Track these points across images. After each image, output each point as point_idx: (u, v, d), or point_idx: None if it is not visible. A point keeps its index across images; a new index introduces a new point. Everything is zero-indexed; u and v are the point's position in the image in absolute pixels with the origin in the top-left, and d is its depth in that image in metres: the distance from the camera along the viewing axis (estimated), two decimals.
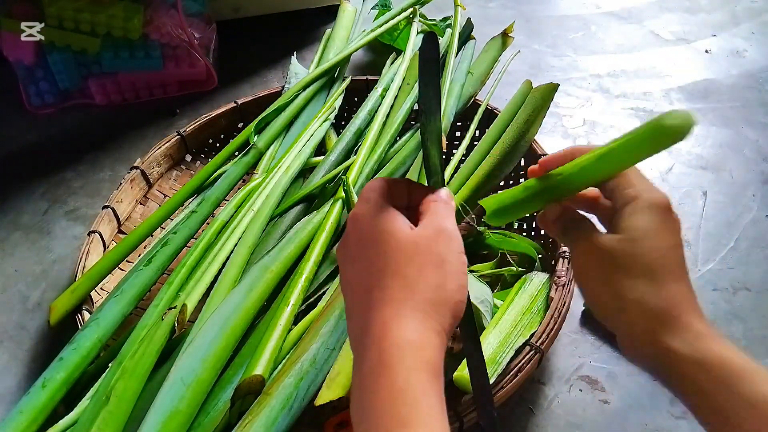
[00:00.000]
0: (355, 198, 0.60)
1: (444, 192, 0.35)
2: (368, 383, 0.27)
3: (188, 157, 0.78)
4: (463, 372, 0.49)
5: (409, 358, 0.27)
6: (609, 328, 0.34)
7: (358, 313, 0.31)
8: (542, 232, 0.66)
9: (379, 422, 0.25)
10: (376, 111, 0.74)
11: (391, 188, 0.34)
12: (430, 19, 0.94)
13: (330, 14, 1.06)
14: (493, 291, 0.57)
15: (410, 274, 0.30)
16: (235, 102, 0.80)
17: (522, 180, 0.73)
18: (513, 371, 0.49)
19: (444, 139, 0.69)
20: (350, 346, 0.32)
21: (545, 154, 0.68)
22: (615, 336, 0.34)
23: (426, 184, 0.37)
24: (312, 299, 0.56)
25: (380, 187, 0.33)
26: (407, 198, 0.35)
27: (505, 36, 0.85)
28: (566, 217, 0.36)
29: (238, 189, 0.68)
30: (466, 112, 0.76)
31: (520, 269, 0.60)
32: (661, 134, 0.29)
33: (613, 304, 0.33)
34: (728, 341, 0.31)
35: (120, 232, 0.68)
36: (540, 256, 0.62)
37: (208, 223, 0.63)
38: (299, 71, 0.86)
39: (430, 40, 0.34)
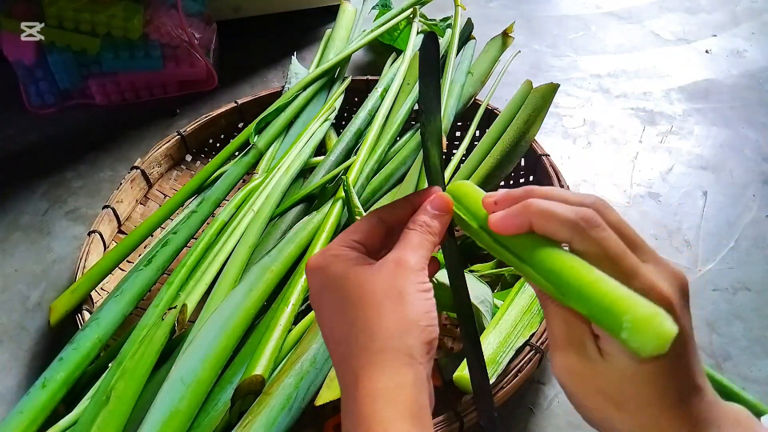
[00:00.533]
0: (355, 198, 0.60)
1: (423, 219, 0.32)
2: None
3: (188, 157, 0.79)
4: (463, 372, 0.49)
5: (385, 409, 0.26)
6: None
7: (336, 365, 0.31)
8: None
9: None
10: (376, 111, 0.74)
11: (359, 234, 0.32)
12: (430, 19, 0.94)
13: (330, 14, 1.06)
14: (493, 291, 0.57)
15: (369, 316, 0.28)
16: (235, 102, 0.80)
17: (522, 180, 0.73)
18: (513, 371, 0.49)
19: (444, 139, 0.69)
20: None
21: (546, 155, 0.68)
22: None
23: (426, 183, 0.37)
24: None
25: (345, 236, 0.32)
26: (384, 230, 0.33)
27: (505, 36, 0.85)
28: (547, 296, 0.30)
29: (238, 189, 0.68)
30: (467, 112, 0.76)
31: None
32: (617, 330, 0.23)
33: (603, 423, 0.28)
34: (750, 423, 0.27)
35: (120, 232, 0.68)
36: None
37: (208, 223, 0.63)
38: (299, 71, 0.86)
39: (430, 40, 0.34)
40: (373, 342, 0.28)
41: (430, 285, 0.31)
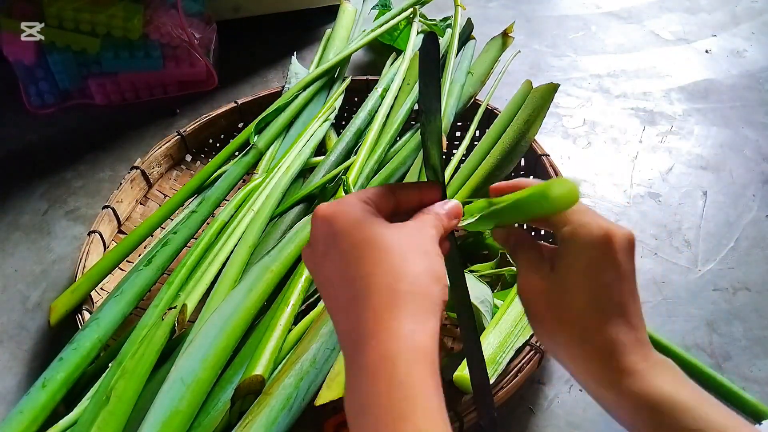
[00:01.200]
0: None
1: (438, 211, 0.33)
2: (366, 376, 0.26)
3: (188, 157, 0.79)
4: (463, 372, 0.49)
5: (407, 349, 0.26)
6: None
7: (344, 308, 0.29)
8: (542, 232, 0.66)
9: (379, 416, 0.25)
10: (376, 111, 0.74)
11: (371, 196, 0.32)
12: (430, 19, 0.94)
13: (330, 14, 1.06)
14: (493, 291, 0.57)
15: (395, 260, 0.28)
16: (235, 102, 0.80)
17: None
18: (513, 371, 0.49)
19: (444, 139, 0.69)
20: (340, 343, 0.31)
21: (546, 155, 0.68)
22: None
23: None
24: (312, 299, 0.56)
25: (357, 193, 0.32)
26: (393, 204, 0.34)
27: (505, 36, 0.85)
28: (512, 241, 0.36)
29: (238, 189, 0.68)
30: (466, 112, 0.76)
31: None
32: (546, 201, 0.29)
33: (551, 341, 0.32)
34: (677, 372, 0.31)
35: (120, 232, 0.68)
36: None
37: (208, 223, 0.63)
38: (299, 71, 0.86)
39: (430, 40, 0.34)
40: (400, 282, 0.28)
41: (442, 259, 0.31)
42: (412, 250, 0.29)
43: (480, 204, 0.34)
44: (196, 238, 0.62)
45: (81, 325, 0.54)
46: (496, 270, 0.61)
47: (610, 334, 0.30)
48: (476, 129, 0.74)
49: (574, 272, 0.31)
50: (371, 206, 0.32)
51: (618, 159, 0.84)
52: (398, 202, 0.34)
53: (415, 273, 0.28)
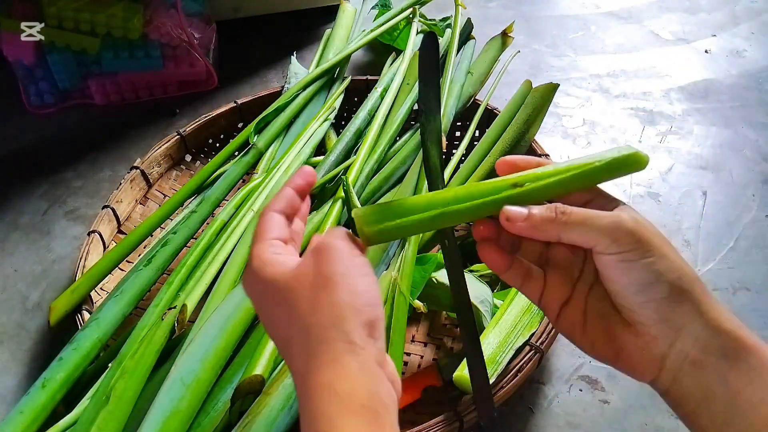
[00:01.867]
0: (355, 198, 0.60)
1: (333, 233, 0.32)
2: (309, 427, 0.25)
3: (188, 157, 0.79)
4: (463, 372, 0.50)
5: (331, 404, 0.25)
6: (621, 338, 0.31)
7: (289, 369, 0.30)
8: None
9: None
10: (376, 111, 0.74)
11: (271, 229, 0.32)
12: (430, 19, 0.94)
13: (330, 14, 1.06)
14: (493, 291, 0.57)
15: (303, 312, 0.28)
16: (235, 102, 0.80)
17: None
18: (513, 371, 0.49)
19: (444, 139, 0.69)
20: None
21: (546, 154, 0.68)
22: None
23: (426, 183, 0.37)
24: None
25: (260, 241, 0.32)
26: (285, 222, 0.34)
27: (505, 36, 0.85)
28: (545, 256, 0.34)
29: (238, 189, 0.68)
30: (466, 112, 0.76)
31: None
32: (634, 162, 0.31)
33: (670, 280, 0.29)
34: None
35: (120, 232, 0.68)
36: None
37: (208, 223, 0.63)
38: (299, 71, 0.86)
39: (430, 40, 0.34)
40: (309, 337, 0.27)
41: (364, 260, 0.30)
42: (316, 287, 0.28)
43: (545, 173, 0.32)
44: (195, 238, 0.62)
45: (81, 325, 0.54)
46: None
47: (687, 266, 0.30)
48: (476, 129, 0.74)
49: (641, 221, 0.30)
50: (279, 243, 0.32)
51: None
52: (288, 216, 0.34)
53: (321, 319, 0.27)
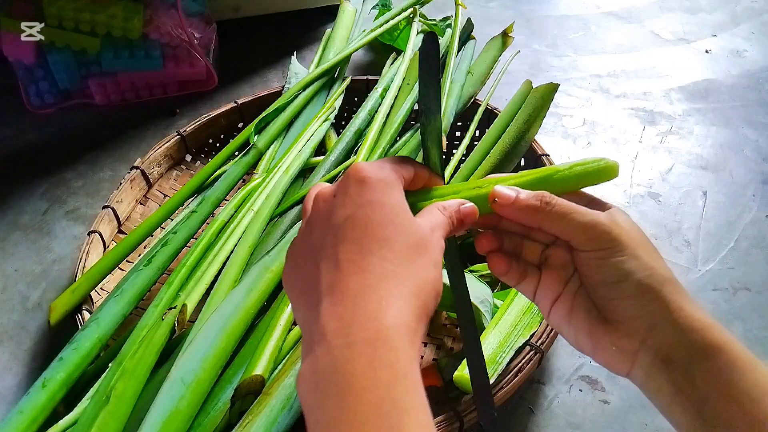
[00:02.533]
0: None
1: (453, 205, 0.32)
2: (357, 360, 0.23)
3: (188, 157, 0.79)
4: (463, 372, 0.49)
5: (410, 345, 0.24)
6: (597, 330, 0.32)
7: (331, 279, 0.27)
8: None
9: (376, 410, 0.21)
10: (376, 111, 0.74)
11: (404, 173, 0.32)
12: (430, 19, 0.94)
13: (330, 14, 1.06)
14: (493, 291, 0.57)
15: (407, 258, 0.27)
16: (235, 102, 0.80)
17: None
18: (513, 371, 0.49)
19: (444, 139, 0.69)
20: (304, 317, 0.27)
21: (546, 154, 0.68)
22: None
23: None
24: None
25: (394, 168, 0.31)
26: (409, 178, 0.33)
27: (505, 36, 0.85)
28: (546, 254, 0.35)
29: (238, 189, 0.68)
30: (466, 112, 0.76)
31: None
32: (606, 171, 0.33)
33: (640, 279, 0.31)
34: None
35: (120, 232, 0.68)
36: None
37: (208, 223, 0.63)
38: (299, 71, 0.86)
39: (430, 40, 0.34)
40: (408, 281, 0.26)
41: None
42: (426, 257, 0.28)
43: (533, 174, 0.34)
44: (196, 238, 0.62)
45: (81, 325, 0.54)
46: None
47: (666, 268, 0.32)
48: (476, 129, 0.74)
49: (623, 220, 0.32)
50: (401, 184, 0.31)
51: (618, 159, 0.84)
52: (414, 177, 0.33)
53: (425, 279, 0.27)
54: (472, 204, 0.33)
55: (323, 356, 0.23)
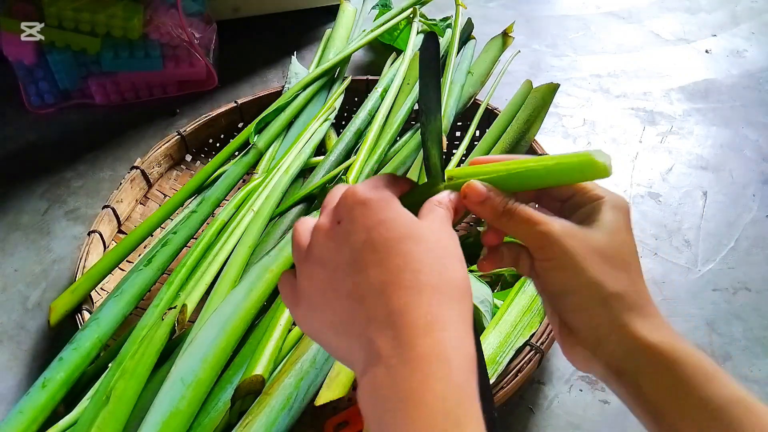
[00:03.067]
0: None
1: (445, 196, 0.33)
2: (413, 370, 0.24)
3: (188, 157, 0.79)
4: None
5: (461, 355, 0.25)
6: (561, 330, 0.33)
7: (378, 291, 0.27)
8: None
9: (429, 423, 0.22)
10: (376, 111, 0.74)
11: (394, 183, 0.32)
12: (430, 19, 0.94)
13: (330, 14, 1.06)
14: (493, 291, 0.57)
15: (434, 264, 0.27)
16: (235, 102, 0.80)
17: None
18: (513, 371, 0.49)
19: (444, 139, 0.69)
20: (347, 344, 0.28)
21: (546, 155, 0.68)
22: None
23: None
24: None
25: (386, 184, 0.31)
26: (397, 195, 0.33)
27: (505, 36, 0.85)
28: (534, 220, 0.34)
29: (238, 189, 0.68)
30: (467, 112, 0.76)
31: None
32: (588, 168, 0.30)
33: (584, 294, 0.31)
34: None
35: (120, 232, 0.68)
36: None
37: (208, 223, 0.63)
38: (299, 71, 0.86)
39: (430, 40, 0.34)
40: (446, 287, 0.27)
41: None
42: (450, 256, 0.28)
43: (511, 166, 0.32)
44: (196, 238, 0.62)
45: (81, 325, 0.54)
46: (496, 270, 0.61)
47: (641, 283, 0.32)
48: (476, 129, 0.74)
49: (615, 227, 0.31)
50: (397, 198, 0.31)
51: (618, 159, 0.84)
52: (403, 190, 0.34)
53: (458, 280, 0.27)
54: (456, 192, 0.33)
55: (381, 375, 0.25)
